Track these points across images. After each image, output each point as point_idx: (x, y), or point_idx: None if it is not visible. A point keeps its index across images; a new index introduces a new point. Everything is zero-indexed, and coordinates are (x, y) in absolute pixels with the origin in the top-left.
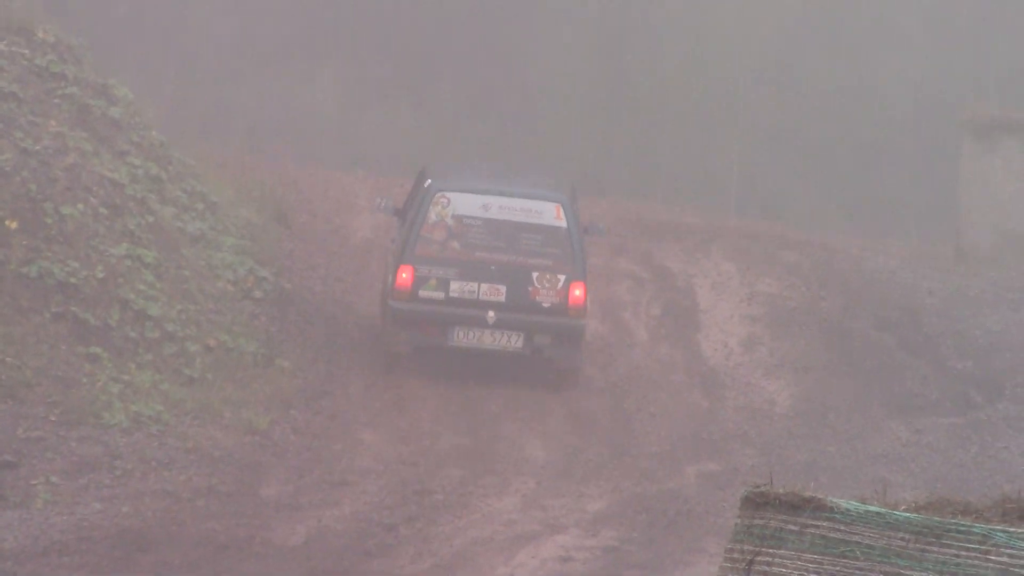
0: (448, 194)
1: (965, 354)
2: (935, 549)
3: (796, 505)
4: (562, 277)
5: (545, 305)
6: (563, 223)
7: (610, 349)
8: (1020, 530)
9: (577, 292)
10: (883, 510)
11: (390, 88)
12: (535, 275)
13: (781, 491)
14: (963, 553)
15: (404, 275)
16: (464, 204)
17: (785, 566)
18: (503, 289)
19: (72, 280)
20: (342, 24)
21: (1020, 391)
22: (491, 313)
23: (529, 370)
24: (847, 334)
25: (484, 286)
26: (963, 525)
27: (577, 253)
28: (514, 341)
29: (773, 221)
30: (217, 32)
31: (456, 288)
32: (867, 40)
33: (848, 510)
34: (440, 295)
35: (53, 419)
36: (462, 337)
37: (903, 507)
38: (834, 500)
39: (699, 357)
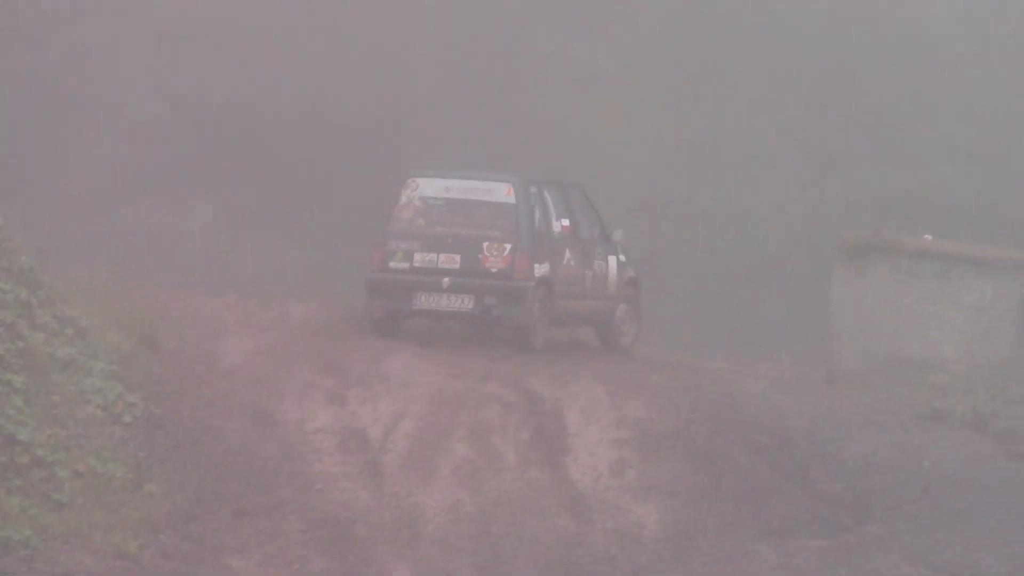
0: (417, 179)
1: (835, 476)
2: None
3: None
4: (508, 246)
5: (493, 270)
6: (512, 200)
7: (480, 474)
8: None
9: (522, 259)
10: None
11: (262, 214)
12: (485, 244)
13: None
14: None
15: (377, 250)
16: (430, 187)
17: None
18: (458, 258)
19: None
20: (214, 151)
21: (890, 513)
22: (446, 279)
23: (481, 330)
24: (717, 457)
25: (442, 256)
26: None
27: (524, 226)
28: (466, 303)
29: (644, 345)
30: (90, 157)
31: (419, 259)
32: (741, 164)
33: None
34: (406, 265)
35: None
36: (424, 301)
37: None
38: None
39: (568, 481)
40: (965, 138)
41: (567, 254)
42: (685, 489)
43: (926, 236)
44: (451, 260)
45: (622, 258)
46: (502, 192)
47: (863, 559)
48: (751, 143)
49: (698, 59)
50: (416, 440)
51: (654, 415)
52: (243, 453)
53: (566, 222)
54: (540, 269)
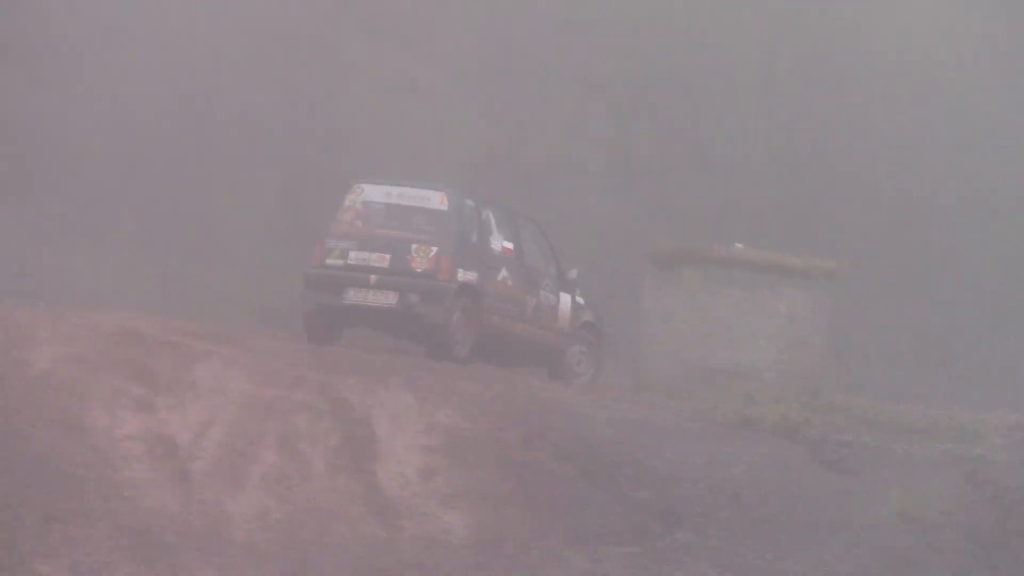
0: (363, 185)
1: (644, 484)
2: None
3: None
4: (434, 249)
5: (418, 270)
6: (445, 208)
7: (288, 481)
8: None
9: (445, 262)
10: None
11: (71, 224)
12: (414, 246)
13: None
14: None
15: (317, 247)
16: (373, 193)
17: None
18: (388, 257)
19: None
20: (19, 160)
21: (699, 520)
22: (373, 276)
23: (403, 327)
24: (526, 464)
25: (374, 255)
26: None
27: (452, 233)
28: (390, 299)
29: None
30: None
31: (353, 257)
32: (553, 172)
33: None
34: (340, 262)
35: None
36: (352, 296)
37: None
38: None
39: (376, 488)
40: (776, 147)
41: (504, 272)
42: (494, 496)
43: (737, 245)
44: (381, 259)
45: (579, 299)
46: (437, 200)
47: (673, 566)
48: (564, 151)
49: (510, 67)
50: (225, 447)
51: (463, 422)
52: (52, 459)
53: (509, 244)
54: (465, 275)
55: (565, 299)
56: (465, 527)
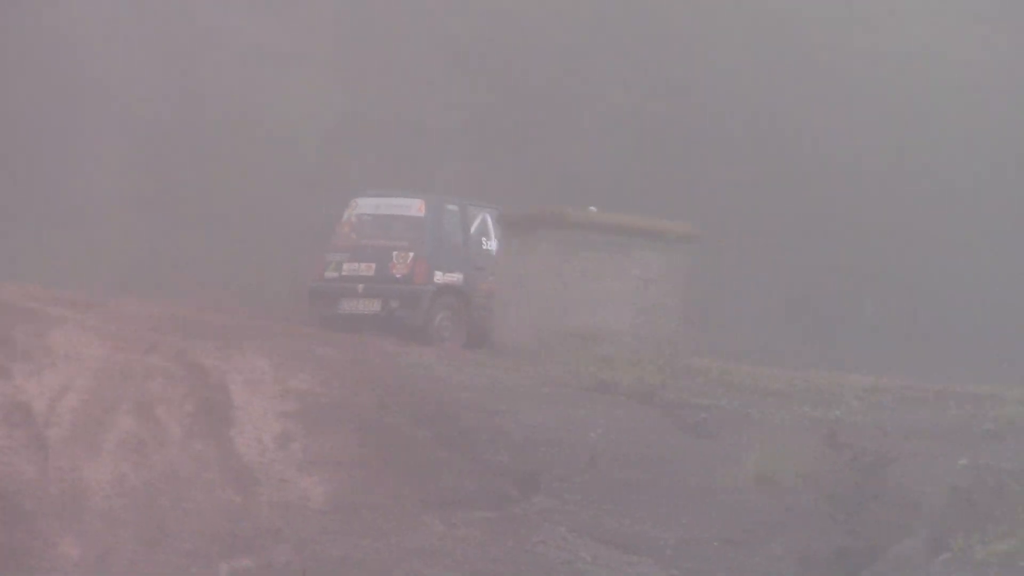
0: (357, 199)
1: (501, 448)
2: None
3: None
4: (411, 255)
5: (397, 276)
6: (422, 214)
7: (144, 447)
8: None
9: (421, 266)
10: None
11: None
12: (394, 254)
13: None
14: None
15: (318, 262)
16: (364, 205)
17: None
18: (373, 266)
19: None
20: None
21: (556, 485)
22: (360, 286)
23: (391, 331)
24: (383, 429)
25: (362, 265)
26: None
27: (428, 238)
28: (375, 306)
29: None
30: None
31: (346, 268)
32: (406, 139)
33: None
34: (336, 275)
35: None
36: (345, 306)
37: None
38: None
39: (233, 454)
40: (634, 110)
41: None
42: (351, 461)
43: (592, 208)
44: (368, 268)
45: None
46: (415, 208)
47: (530, 531)
48: (419, 116)
49: (366, 32)
50: (81, 414)
51: (319, 387)
52: None
53: None
54: (445, 277)
55: None
56: (322, 492)
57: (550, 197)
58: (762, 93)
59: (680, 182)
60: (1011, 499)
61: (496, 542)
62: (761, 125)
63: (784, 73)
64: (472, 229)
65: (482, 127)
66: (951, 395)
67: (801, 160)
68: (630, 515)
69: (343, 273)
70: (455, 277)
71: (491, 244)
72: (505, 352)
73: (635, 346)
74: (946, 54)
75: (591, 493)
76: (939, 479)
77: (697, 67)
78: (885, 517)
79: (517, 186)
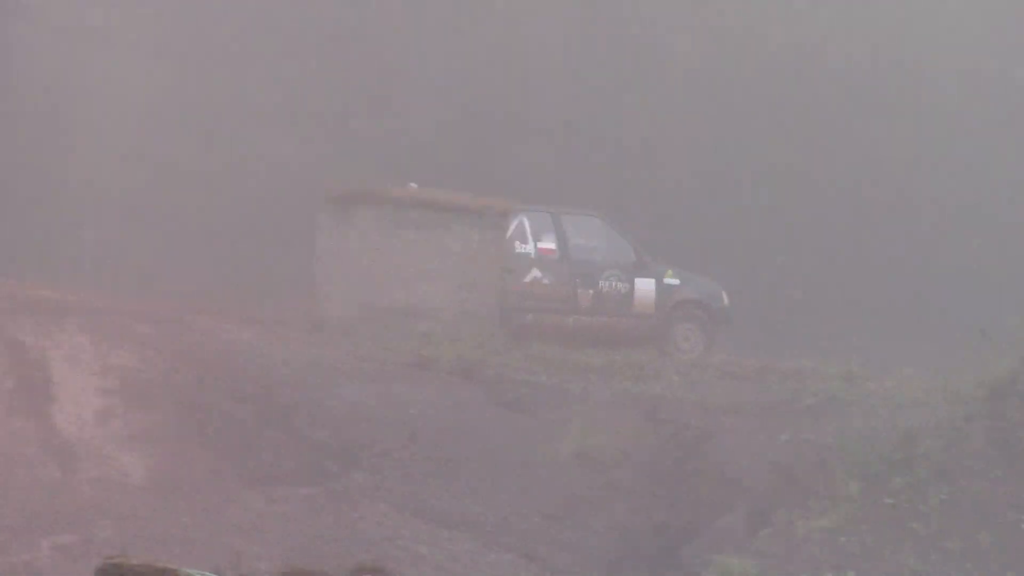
0: None
1: (321, 424)
2: None
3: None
4: None
5: None
6: None
7: None
8: None
9: None
10: None
11: None
12: None
13: (135, 562)
14: None
15: None
16: None
17: None
18: None
19: None
20: None
21: (376, 461)
22: None
23: None
24: (202, 406)
25: None
26: None
27: None
28: None
29: (131, 295)
30: None
31: None
32: (228, 119)
33: None
34: None
35: None
36: None
37: None
38: (188, 571)
39: (53, 430)
40: (454, 86)
41: (535, 273)
42: (171, 438)
43: (411, 185)
44: None
45: (671, 281)
46: None
47: (350, 507)
48: (239, 93)
49: (184, 10)
50: None
51: (139, 364)
52: None
53: (548, 245)
54: None
55: (643, 284)
56: (143, 469)
57: (369, 173)
58: (588, 65)
59: (499, 158)
60: (832, 474)
61: (317, 518)
62: (591, 100)
63: (607, 48)
64: (507, 232)
65: (302, 103)
66: (773, 371)
67: (627, 137)
68: (450, 491)
69: None
70: None
71: (527, 247)
72: (326, 329)
73: (455, 322)
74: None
75: (411, 469)
76: (761, 455)
77: (517, 44)
78: (706, 493)
79: (336, 162)
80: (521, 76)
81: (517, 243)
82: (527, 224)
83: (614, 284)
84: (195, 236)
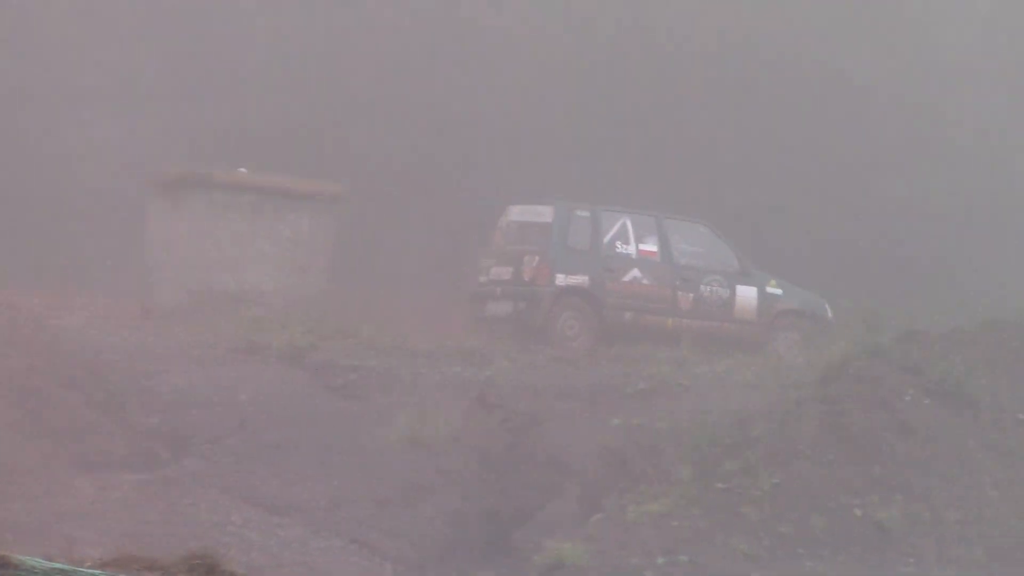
0: (509, 207)
1: (151, 410)
2: None
3: None
4: (536, 258)
5: (526, 279)
6: (550, 220)
7: None
8: None
9: (542, 269)
10: (68, 567)
11: None
12: (525, 258)
13: None
14: None
15: (476, 266)
16: (513, 213)
17: None
18: (510, 271)
19: None
20: None
21: (208, 447)
22: (498, 289)
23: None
24: (32, 393)
25: (502, 269)
26: None
27: (553, 242)
28: (508, 308)
29: None
30: None
31: (492, 272)
32: (55, 100)
33: (34, 567)
34: (485, 279)
35: None
36: (488, 308)
37: (88, 564)
38: (19, 558)
39: None
40: (286, 68)
41: (635, 273)
42: (1, 424)
43: (241, 169)
44: (507, 273)
45: (773, 290)
46: (546, 214)
47: (181, 493)
48: (67, 76)
49: None
50: None
51: None
52: None
53: (650, 247)
54: (569, 280)
55: (745, 292)
56: None
57: (198, 157)
58: (410, 48)
59: (331, 142)
60: (664, 459)
61: (147, 504)
62: (412, 82)
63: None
64: (608, 233)
65: (130, 86)
66: (602, 355)
67: (448, 119)
68: (280, 477)
69: (490, 277)
70: (580, 279)
71: (629, 248)
72: (157, 314)
73: (284, 307)
74: None
75: (241, 455)
76: (592, 439)
77: (350, 27)
78: (537, 478)
79: (165, 146)
80: (357, 56)
81: (619, 243)
82: (630, 226)
83: (715, 289)
84: (26, 220)
